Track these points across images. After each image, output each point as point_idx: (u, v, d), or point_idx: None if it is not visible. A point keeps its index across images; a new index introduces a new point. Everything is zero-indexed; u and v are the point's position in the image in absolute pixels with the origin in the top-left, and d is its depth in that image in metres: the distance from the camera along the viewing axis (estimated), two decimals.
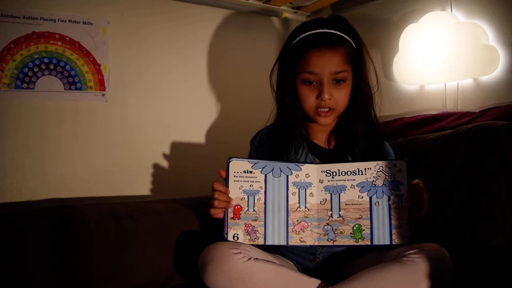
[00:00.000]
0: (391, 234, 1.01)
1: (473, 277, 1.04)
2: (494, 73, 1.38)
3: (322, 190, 1.05)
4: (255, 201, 1.04)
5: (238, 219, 1.03)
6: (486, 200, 1.14)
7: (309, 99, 1.09)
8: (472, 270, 1.06)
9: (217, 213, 1.02)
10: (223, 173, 1.04)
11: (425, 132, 1.43)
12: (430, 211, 1.02)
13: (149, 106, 1.62)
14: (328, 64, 1.05)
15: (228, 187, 1.04)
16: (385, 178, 1.03)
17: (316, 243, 1.03)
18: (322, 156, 1.14)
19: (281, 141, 1.13)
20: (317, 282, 0.95)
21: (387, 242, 1.00)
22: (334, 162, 1.10)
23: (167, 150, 1.65)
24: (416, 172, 1.28)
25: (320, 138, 1.17)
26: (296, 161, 1.12)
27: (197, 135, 1.73)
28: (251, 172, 1.05)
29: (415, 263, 0.89)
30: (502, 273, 1.04)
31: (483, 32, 1.39)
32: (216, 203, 1.01)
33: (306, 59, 1.06)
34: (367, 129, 1.13)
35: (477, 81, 1.44)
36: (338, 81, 1.08)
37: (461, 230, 1.16)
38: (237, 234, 1.02)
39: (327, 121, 1.11)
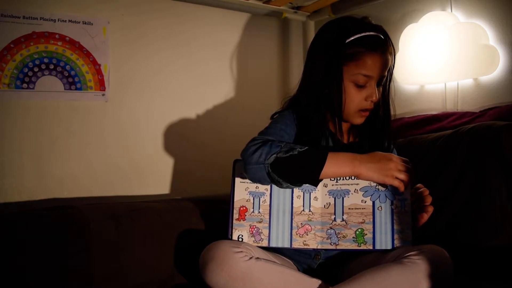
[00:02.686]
0: (393, 239, 1.01)
1: (474, 277, 1.04)
2: (494, 73, 1.38)
3: (326, 194, 1.05)
4: (260, 203, 1.05)
5: (243, 221, 1.03)
6: (486, 200, 1.14)
7: (356, 98, 1.08)
8: (472, 270, 1.06)
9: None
10: None
11: (425, 132, 1.43)
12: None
13: (149, 106, 1.62)
14: (381, 69, 1.07)
15: (234, 188, 1.05)
16: None
17: (319, 247, 1.04)
18: (339, 149, 1.12)
19: (309, 133, 1.10)
20: (317, 282, 0.95)
21: (389, 246, 1.00)
22: None
23: (167, 150, 1.65)
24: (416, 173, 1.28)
25: (341, 132, 1.17)
26: None
27: (197, 135, 1.72)
28: None
29: (416, 264, 0.88)
30: (502, 273, 1.04)
31: (483, 32, 1.39)
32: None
33: (364, 61, 1.05)
34: (383, 129, 1.15)
35: (477, 81, 1.44)
36: (378, 84, 1.09)
37: (461, 230, 1.16)
38: (242, 235, 1.02)
39: (363, 121, 1.12)
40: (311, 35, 1.94)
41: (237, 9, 1.78)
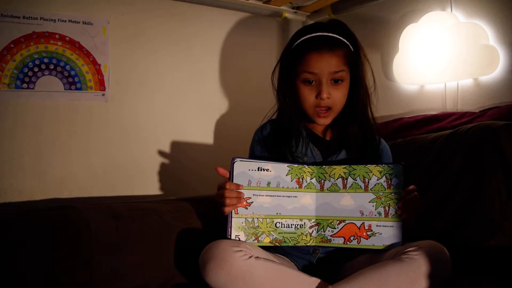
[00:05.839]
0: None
1: (473, 277, 1.04)
2: (494, 73, 1.38)
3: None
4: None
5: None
6: (485, 200, 1.14)
7: (309, 98, 1.13)
8: (472, 270, 1.06)
9: (230, 210, 1.04)
10: (222, 171, 1.05)
11: (425, 132, 1.44)
12: (430, 211, 1.03)
13: (149, 106, 1.62)
14: (326, 65, 1.10)
15: None
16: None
17: (313, 244, 1.06)
18: (321, 146, 1.18)
19: (283, 135, 1.17)
20: (317, 281, 0.95)
21: (379, 245, 1.01)
22: (331, 152, 1.15)
23: (167, 150, 1.65)
24: (415, 172, 1.28)
25: (319, 130, 1.21)
26: (298, 154, 1.15)
27: (197, 135, 1.73)
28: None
29: (414, 261, 0.89)
30: (501, 273, 1.04)
31: (483, 32, 1.39)
32: (227, 201, 1.02)
33: (306, 60, 1.11)
34: (362, 129, 1.16)
35: (477, 81, 1.44)
36: (336, 81, 1.12)
37: (460, 230, 1.16)
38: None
39: (326, 122, 1.15)
40: None
41: (237, 9, 1.78)
